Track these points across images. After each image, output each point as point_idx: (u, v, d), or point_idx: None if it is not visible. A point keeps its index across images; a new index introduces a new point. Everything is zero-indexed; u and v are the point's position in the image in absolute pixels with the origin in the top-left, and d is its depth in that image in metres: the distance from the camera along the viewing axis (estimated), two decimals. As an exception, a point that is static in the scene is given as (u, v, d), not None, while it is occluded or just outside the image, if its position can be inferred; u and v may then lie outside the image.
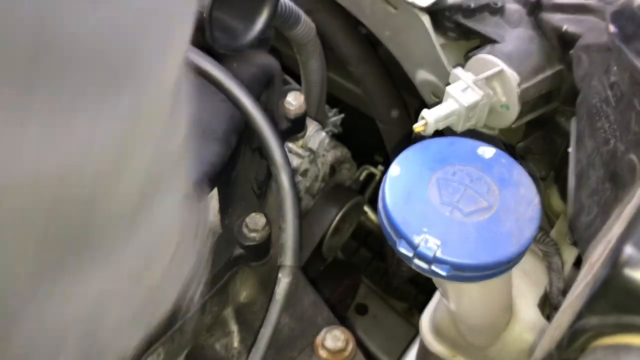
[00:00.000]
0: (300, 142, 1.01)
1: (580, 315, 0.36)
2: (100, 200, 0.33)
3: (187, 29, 0.36)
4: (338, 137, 1.21)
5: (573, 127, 0.67)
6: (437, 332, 0.82)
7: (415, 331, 0.88)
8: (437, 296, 0.84)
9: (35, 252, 0.32)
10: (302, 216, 1.10)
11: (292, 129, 0.86)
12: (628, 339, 0.34)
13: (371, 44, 1.08)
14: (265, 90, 0.76)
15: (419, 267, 0.52)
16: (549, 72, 0.67)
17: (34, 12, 0.26)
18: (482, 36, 0.72)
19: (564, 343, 0.37)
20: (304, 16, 0.95)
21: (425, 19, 0.75)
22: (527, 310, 0.74)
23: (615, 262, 0.34)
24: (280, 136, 0.63)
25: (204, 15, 0.62)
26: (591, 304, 0.36)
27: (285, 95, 0.84)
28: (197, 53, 0.60)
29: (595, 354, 0.35)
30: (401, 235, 0.51)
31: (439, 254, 0.50)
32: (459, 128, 0.67)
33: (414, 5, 0.75)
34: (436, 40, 0.76)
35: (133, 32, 0.31)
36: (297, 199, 0.63)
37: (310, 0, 1.00)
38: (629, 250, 0.34)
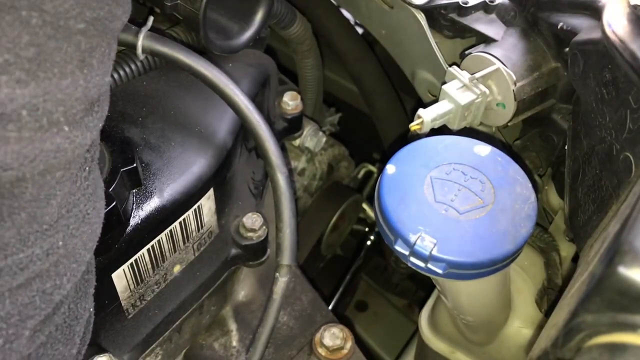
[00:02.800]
0: (298, 142, 1.01)
1: (575, 314, 0.36)
2: None
3: None
4: (335, 136, 1.21)
5: (569, 125, 0.67)
6: (436, 328, 0.82)
7: (416, 327, 0.88)
8: (436, 293, 0.84)
9: None
10: (300, 215, 1.10)
11: (289, 129, 0.86)
12: (623, 337, 0.34)
13: (368, 42, 1.08)
14: (261, 90, 0.76)
15: (415, 265, 0.52)
16: (544, 70, 0.67)
17: None
18: (478, 34, 0.72)
19: (559, 341, 0.37)
20: (299, 15, 0.95)
21: (421, 17, 0.75)
22: (525, 306, 0.75)
23: (610, 260, 0.34)
24: (276, 136, 0.63)
25: (198, 16, 0.62)
26: (586, 302, 0.36)
27: (281, 95, 0.84)
28: (191, 54, 0.60)
29: (590, 353, 0.35)
30: (397, 234, 0.52)
31: (434, 252, 0.50)
32: (455, 126, 0.67)
33: (409, 4, 0.75)
34: (432, 38, 0.76)
35: None
36: (294, 198, 0.62)
37: (306, 0, 1.00)
38: (624, 248, 0.34)
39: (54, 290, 0.39)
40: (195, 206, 0.65)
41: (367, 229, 1.36)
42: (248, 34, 0.71)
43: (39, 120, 0.32)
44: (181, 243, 0.66)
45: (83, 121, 0.35)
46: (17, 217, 0.34)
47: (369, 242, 1.35)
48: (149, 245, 0.61)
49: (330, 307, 1.13)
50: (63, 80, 0.33)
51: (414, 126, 0.64)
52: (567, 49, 0.62)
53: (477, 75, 0.66)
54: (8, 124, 0.31)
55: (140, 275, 0.62)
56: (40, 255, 0.37)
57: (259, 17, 0.72)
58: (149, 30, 0.60)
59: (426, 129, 0.64)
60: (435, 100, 0.67)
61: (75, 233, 0.39)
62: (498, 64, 0.66)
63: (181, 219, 0.64)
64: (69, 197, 0.38)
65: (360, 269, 1.38)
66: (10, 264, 0.35)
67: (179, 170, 0.63)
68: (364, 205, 1.28)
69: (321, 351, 0.73)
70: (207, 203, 0.66)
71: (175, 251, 0.66)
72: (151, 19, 0.60)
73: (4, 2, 0.29)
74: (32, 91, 0.31)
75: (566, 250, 0.75)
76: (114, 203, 0.54)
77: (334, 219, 1.17)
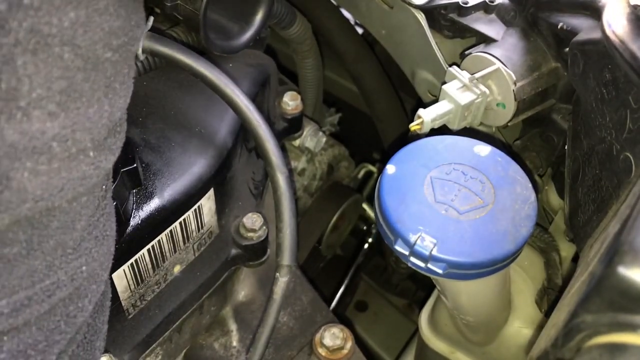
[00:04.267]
0: (298, 142, 1.01)
1: (575, 314, 0.36)
2: None
3: None
4: (336, 136, 1.21)
5: (569, 125, 0.67)
6: (436, 328, 0.82)
7: (415, 327, 0.88)
8: (436, 293, 0.84)
9: None
10: (300, 215, 1.10)
11: (289, 129, 0.86)
12: (623, 337, 0.34)
13: (368, 42, 1.08)
14: (261, 90, 0.76)
15: (415, 265, 0.52)
16: (544, 70, 0.67)
17: None
18: (478, 34, 0.72)
19: (559, 341, 0.37)
20: (299, 16, 0.95)
21: (421, 17, 0.75)
22: (525, 306, 0.75)
23: (610, 260, 0.34)
24: (276, 136, 0.63)
25: (198, 16, 0.62)
26: (586, 302, 0.36)
27: (281, 95, 0.84)
28: (191, 54, 0.60)
29: (590, 353, 0.35)
30: (397, 234, 0.52)
31: (434, 252, 0.50)
32: (455, 126, 0.67)
33: (409, 4, 0.75)
34: (432, 38, 0.76)
35: None
36: (294, 198, 0.62)
37: (306, 0, 1.00)
38: (624, 248, 0.34)
39: (78, 313, 0.40)
40: (196, 206, 0.65)
41: (365, 227, 1.35)
42: (248, 34, 0.71)
43: (68, 150, 0.33)
44: (181, 243, 0.66)
45: (106, 143, 0.36)
46: (46, 245, 0.35)
47: (368, 243, 1.34)
48: (149, 246, 0.61)
49: (330, 308, 1.13)
50: (90, 108, 0.33)
51: (414, 126, 0.64)
52: (567, 49, 0.62)
53: (477, 75, 0.66)
54: (40, 157, 0.32)
55: (141, 276, 0.62)
56: (66, 281, 0.37)
57: (259, 17, 0.72)
58: (149, 30, 0.60)
59: (426, 129, 0.64)
60: (435, 100, 0.67)
61: (95, 256, 0.39)
62: (498, 64, 0.66)
63: (181, 219, 0.64)
64: (91, 219, 0.38)
65: (360, 268, 1.38)
66: (37, 292, 0.36)
67: (179, 171, 0.63)
68: (364, 205, 1.28)
69: (321, 351, 0.72)
70: (207, 203, 0.66)
71: (175, 251, 0.66)
72: (151, 19, 0.60)
73: (39, 41, 0.30)
74: (62, 123, 0.32)
75: (566, 250, 0.75)
76: (114, 203, 0.54)
77: (334, 219, 1.17)
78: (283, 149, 0.97)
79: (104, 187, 0.39)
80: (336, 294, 1.29)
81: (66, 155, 0.33)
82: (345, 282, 1.30)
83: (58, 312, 0.38)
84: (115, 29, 0.33)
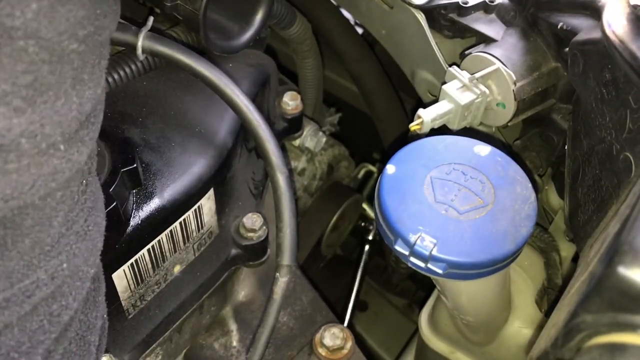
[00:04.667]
0: (298, 142, 1.01)
1: (575, 314, 0.36)
2: None
3: None
4: (336, 136, 1.21)
5: (569, 125, 0.67)
6: (436, 328, 0.82)
7: (415, 327, 0.88)
8: (436, 293, 0.84)
9: None
10: (300, 215, 1.10)
11: (289, 129, 0.86)
12: (623, 337, 0.34)
13: (368, 42, 1.08)
14: (261, 90, 0.76)
15: (415, 265, 0.52)
16: (544, 70, 0.67)
17: None
18: (478, 34, 0.72)
19: (559, 341, 0.37)
20: (299, 16, 0.95)
21: (421, 17, 0.75)
22: (525, 306, 0.75)
23: (610, 260, 0.34)
24: (276, 136, 0.63)
25: (198, 16, 0.62)
26: (586, 302, 0.36)
27: (281, 95, 0.84)
28: (191, 54, 0.60)
29: (590, 353, 0.35)
30: (397, 234, 0.52)
31: (434, 252, 0.50)
32: (455, 126, 0.67)
33: (409, 4, 0.75)
34: (432, 38, 0.76)
35: None
36: (294, 198, 0.63)
37: (306, 0, 1.01)
38: (624, 248, 0.34)
39: (62, 312, 0.39)
40: (196, 206, 0.65)
41: (363, 224, 1.34)
42: (248, 34, 0.71)
43: (38, 145, 0.32)
44: (181, 243, 0.66)
45: (78, 136, 0.35)
46: (21, 245, 0.34)
47: (370, 237, 1.33)
48: (149, 246, 0.61)
49: (345, 323, 1.11)
50: (58, 101, 0.32)
51: (414, 126, 0.64)
52: (567, 49, 0.62)
53: (477, 75, 0.66)
54: (8, 155, 0.31)
55: (141, 276, 0.62)
56: (46, 280, 0.37)
57: (259, 17, 0.72)
58: (149, 30, 0.60)
59: (426, 129, 0.64)
60: (435, 100, 0.67)
61: (77, 252, 0.39)
62: (498, 64, 0.66)
63: (181, 219, 0.64)
64: (69, 214, 0.37)
65: (363, 271, 1.38)
66: (16, 292, 0.35)
67: (179, 171, 0.63)
68: (364, 205, 1.28)
69: (321, 351, 0.72)
70: (207, 203, 0.66)
71: (175, 251, 0.66)
72: (151, 19, 0.60)
73: (2, 35, 0.29)
74: (29, 118, 0.31)
75: (566, 250, 0.75)
76: (114, 203, 0.54)
77: (334, 219, 1.17)
78: (283, 149, 0.97)
79: (83, 181, 0.38)
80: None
81: (35, 151, 0.32)
82: (355, 290, 1.29)
83: (40, 312, 0.37)
84: (80, 18, 0.32)
